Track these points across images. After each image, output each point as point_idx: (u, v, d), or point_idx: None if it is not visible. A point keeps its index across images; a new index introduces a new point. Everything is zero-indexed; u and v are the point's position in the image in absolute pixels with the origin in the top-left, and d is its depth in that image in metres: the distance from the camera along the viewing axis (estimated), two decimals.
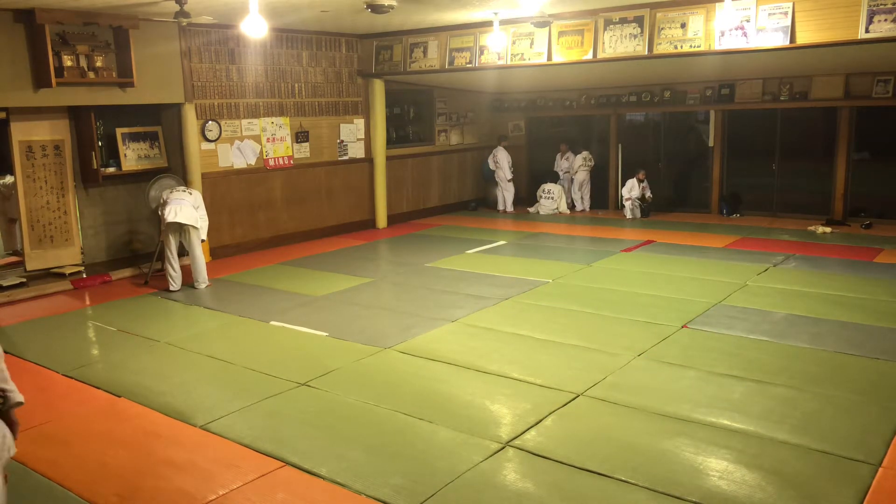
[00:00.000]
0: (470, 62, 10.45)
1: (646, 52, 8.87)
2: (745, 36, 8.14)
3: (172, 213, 8.02)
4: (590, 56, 9.26)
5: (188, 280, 8.47)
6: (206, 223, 8.43)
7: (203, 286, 8.35)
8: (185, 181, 9.60)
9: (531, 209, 13.70)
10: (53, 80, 7.98)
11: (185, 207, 8.11)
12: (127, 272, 9.08)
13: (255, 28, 6.71)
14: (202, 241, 8.34)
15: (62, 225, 9.07)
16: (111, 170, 9.33)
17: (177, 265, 8.26)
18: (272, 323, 6.98)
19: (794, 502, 3.62)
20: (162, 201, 8.27)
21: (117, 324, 7.12)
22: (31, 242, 8.84)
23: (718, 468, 3.95)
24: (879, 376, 5.20)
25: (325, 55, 11.31)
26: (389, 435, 4.50)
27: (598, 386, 5.14)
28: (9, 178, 9.39)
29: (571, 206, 13.70)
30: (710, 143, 12.69)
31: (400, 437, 4.46)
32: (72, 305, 7.98)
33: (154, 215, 8.97)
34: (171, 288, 8.23)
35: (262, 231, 10.77)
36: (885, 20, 7.35)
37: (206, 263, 9.60)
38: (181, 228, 8.14)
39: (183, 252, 8.54)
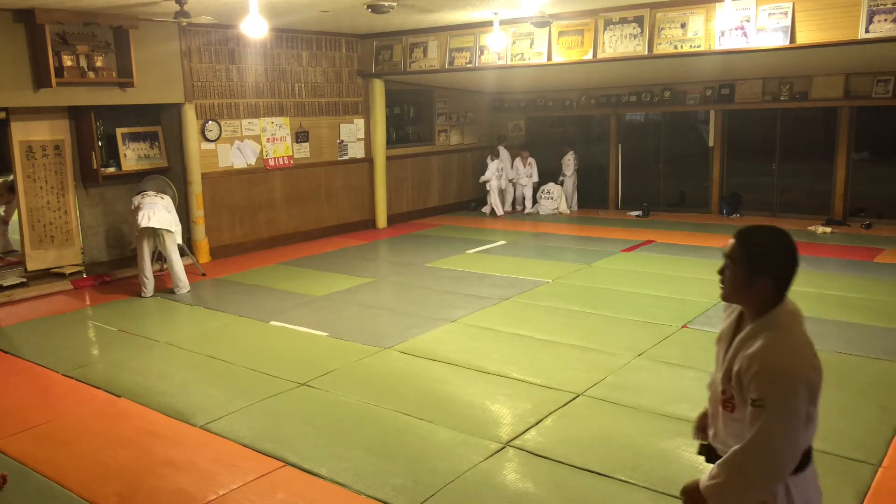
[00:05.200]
0: (470, 62, 10.45)
1: (646, 52, 8.87)
2: (745, 36, 8.14)
3: (146, 219, 7.83)
4: (590, 56, 9.26)
5: (164, 286, 8.37)
6: (180, 227, 8.24)
7: (183, 291, 8.16)
8: (185, 181, 9.61)
9: (530, 209, 13.65)
10: (53, 80, 7.98)
11: (159, 211, 7.93)
12: (127, 272, 9.07)
13: (255, 28, 6.71)
14: (178, 244, 8.22)
15: (62, 225, 9.07)
16: (111, 170, 9.33)
17: (150, 272, 8.10)
18: (272, 323, 6.98)
19: None
20: (134, 206, 8.06)
21: (117, 324, 7.13)
22: (31, 242, 8.84)
23: None
24: (879, 376, 5.21)
25: (325, 55, 11.32)
26: (389, 435, 4.50)
27: (598, 386, 5.14)
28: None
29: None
30: (710, 143, 12.70)
31: (400, 438, 4.46)
32: (72, 305, 7.98)
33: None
34: (143, 294, 8.06)
35: (262, 231, 10.77)
36: (885, 20, 7.35)
37: (206, 263, 9.64)
38: (155, 234, 7.98)
39: (163, 258, 8.38)
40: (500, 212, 13.39)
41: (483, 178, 13.48)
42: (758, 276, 2.08)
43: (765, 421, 2.03)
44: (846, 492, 3.70)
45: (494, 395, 5.09)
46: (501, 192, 13.67)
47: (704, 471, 3.84)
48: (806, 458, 2.17)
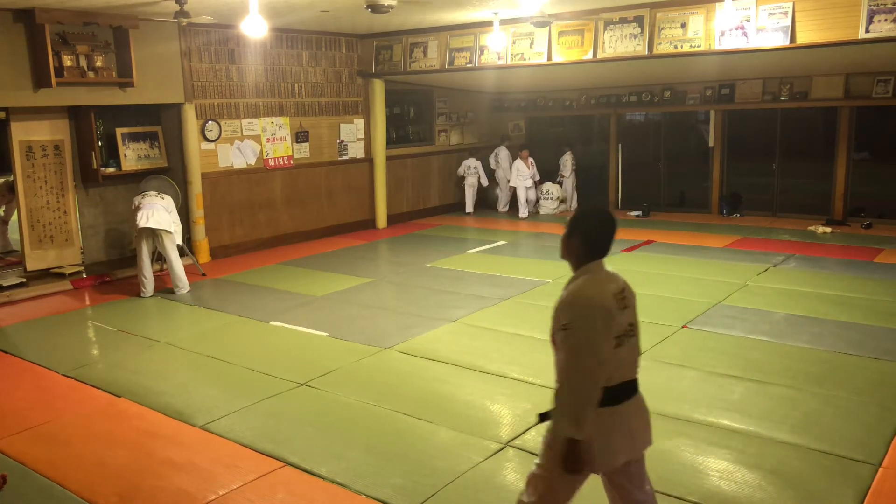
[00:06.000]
0: (470, 62, 10.45)
1: (646, 52, 8.87)
2: (745, 36, 8.14)
3: (144, 219, 7.83)
4: (590, 56, 9.25)
5: (164, 286, 8.37)
6: (180, 227, 8.24)
7: (183, 291, 8.16)
8: (185, 181, 9.61)
9: (528, 211, 13.53)
10: (53, 80, 7.97)
11: (158, 212, 7.92)
12: (127, 272, 9.07)
13: (255, 28, 6.71)
14: (178, 245, 8.21)
15: (62, 225, 9.07)
16: (111, 170, 9.33)
17: (149, 272, 8.09)
18: (272, 323, 6.98)
19: (794, 502, 3.62)
20: (134, 206, 8.08)
21: (117, 324, 7.12)
22: (30, 242, 8.84)
23: (718, 468, 3.95)
24: (879, 376, 5.20)
25: (325, 55, 11.31)
26: (389, 435, 4.50)
27: None
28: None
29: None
30: (710, 143, 12.70)
31: (400, 438, 4.46)
32: (72, 305, 7.98)
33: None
34: (143, 294, 8.06)
35: (262, 231, 10.77)
36: (885, 20, 7.35)
37: (206, 263, 9.64)
38: (154, 234, 7.97)
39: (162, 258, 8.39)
40: (469, 208, 13.70)
41: (459, 172, 13.77)
42: (571, 235, 2.78)
43: (573, 340, 2.61)
44: (846, 492, 3.69)
45: (494, 395, 5.09)
46: (494, 187, 13.92)
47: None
48: (611, 397, 2.70)
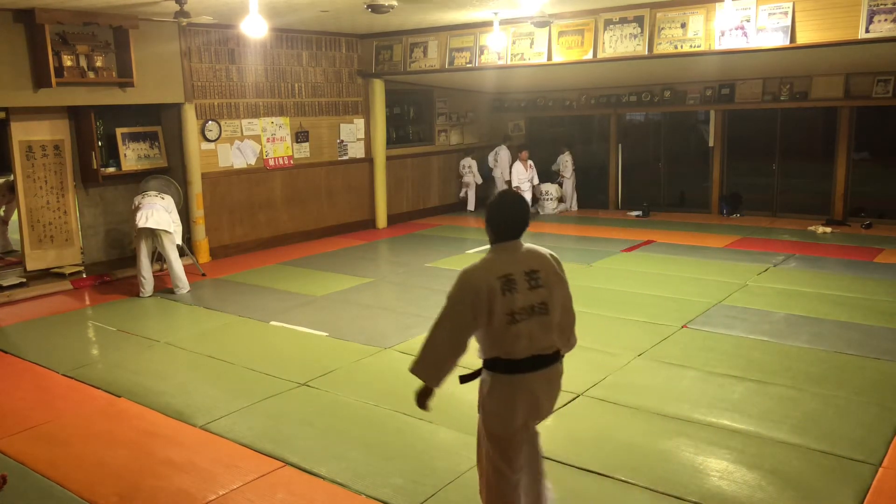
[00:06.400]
0: (470, 62, 10.45)
1: (646, 52, 8.87)
2: (745, 36, 8.14)
3: (143, 219, 7.84)
4: (590, 56, 9.25)
5: (164, 286, 8.38)
6: (180, 227, 8.24)
7: (183, 291, 8.16)
8: (185, 181, 9.60)
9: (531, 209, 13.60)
10: (53, 80, 7.97)
11: (157, 212, 7.91)
12: (127, 272, 9.07)
13: (255, 28, 6.72)
14: (178, 245, 8.21)
15: (62, 225, 9.07)
16: (111, 170, 9.33)
17: (148, 272, 8.09)
18: (272, 323, 6.98)
19: (794, 502, 3.63)
20: (134, 206, 8.08)
21: (117, 324, 7.12)
22: (30, 242, 8.84)
23: (718, 468, 3.95)
24: (879, 376, 5.20)
25: (325, 55, 11.31)
26: (389, 435, 4.50)
27: (598, 386, 5.14)
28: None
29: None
30: (710, 143, 12.70)
31: (400, 437, 4.47)
32: (72, 305, 7.98)
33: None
34: (142, 294, 8.06)
35: (262, 231, 10.77)
36: (885, 20, 7.35)
37: (206, 263, 9.64)
38: (154, 234, 7.98)
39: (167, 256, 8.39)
40: (470, 206, 13.82)
41: (459, 171, 13.98)
42: (485, 220, 3.11)
43: (444, 307, 2.97)
44: (846, 492, 3.70)
45: None
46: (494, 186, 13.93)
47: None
48: (517, 368, 3.03)
